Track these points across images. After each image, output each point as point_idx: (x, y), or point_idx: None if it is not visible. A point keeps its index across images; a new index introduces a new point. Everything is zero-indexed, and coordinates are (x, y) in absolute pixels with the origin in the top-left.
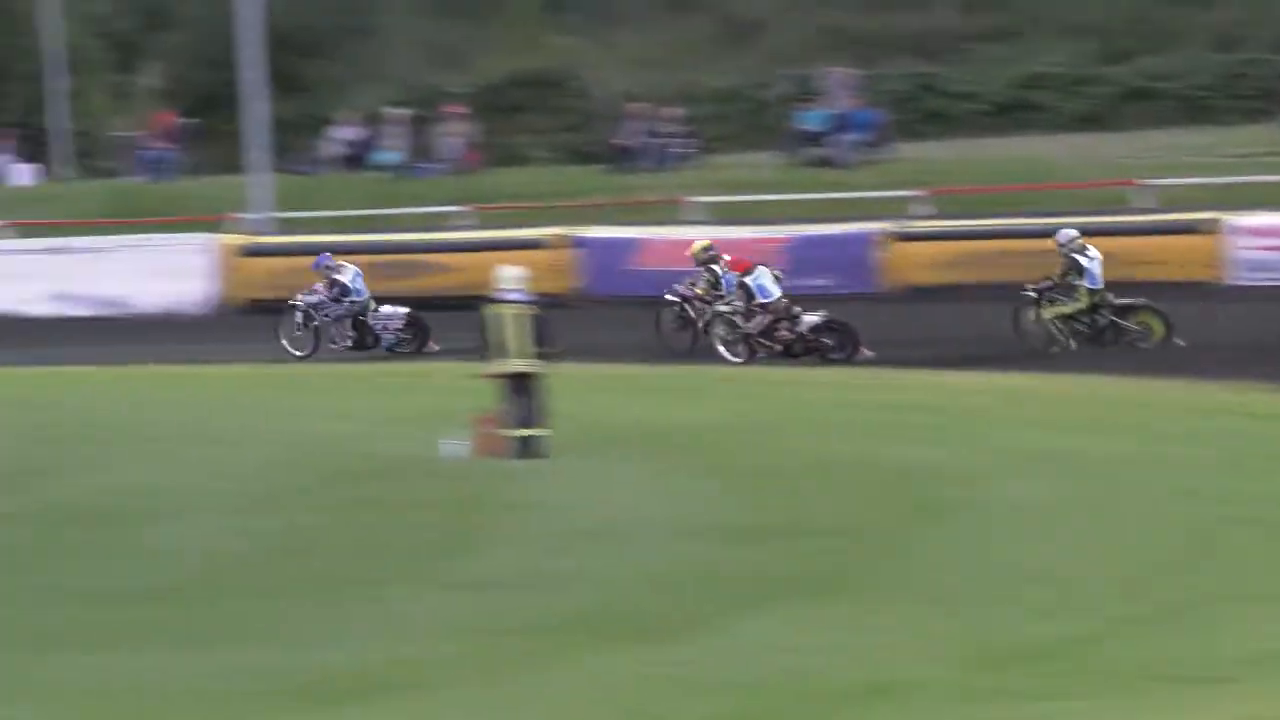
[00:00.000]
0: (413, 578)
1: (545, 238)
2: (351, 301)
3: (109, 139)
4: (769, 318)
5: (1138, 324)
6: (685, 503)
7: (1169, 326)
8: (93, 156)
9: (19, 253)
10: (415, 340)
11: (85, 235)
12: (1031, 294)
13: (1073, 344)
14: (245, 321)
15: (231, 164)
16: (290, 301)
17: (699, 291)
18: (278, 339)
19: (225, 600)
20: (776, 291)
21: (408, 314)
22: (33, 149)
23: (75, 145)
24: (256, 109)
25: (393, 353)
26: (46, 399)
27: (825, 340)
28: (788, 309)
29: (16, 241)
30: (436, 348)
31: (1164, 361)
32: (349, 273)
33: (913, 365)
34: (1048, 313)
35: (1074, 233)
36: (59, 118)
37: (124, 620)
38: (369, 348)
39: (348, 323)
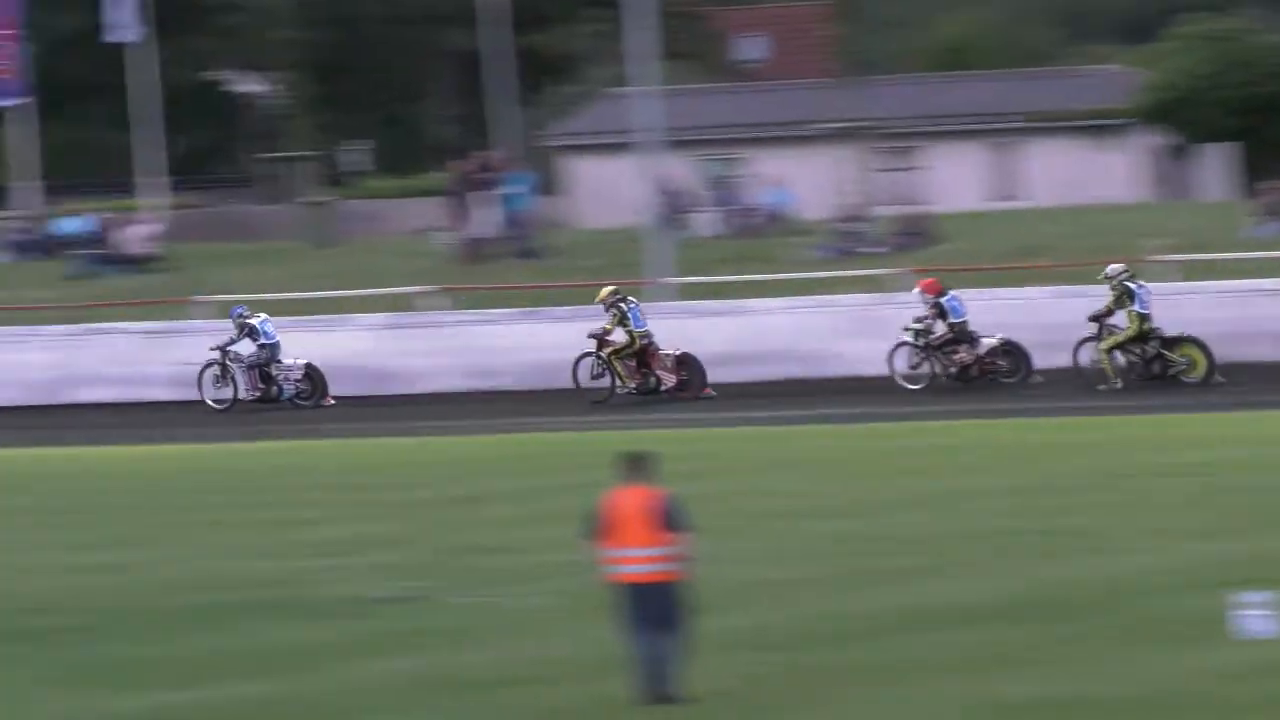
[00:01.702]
0: None
1: None
2: (262, 345)
3: None
4: (950, 335)
5: (1182, 356)
6: None
7: (1211, 361)
8: None
9: None
10: (314, 393)
11: None
12: (1093, 326)
13: (1119, 383)
14: None
15: None
16: (209, 352)
17: (606, 328)
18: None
19: None
20: (965, 311)
21: (305, 365)
22: None
23: None
24: None
25: (293, 404)
26: None
27: (1000, 363)
28: (969, 332)
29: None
30: (333, 401)
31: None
32: (259, 319)
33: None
34: (1103, 344)
35: (1121, 265)
36: None
37: None
38: (274, 399)
39: (256, 372)
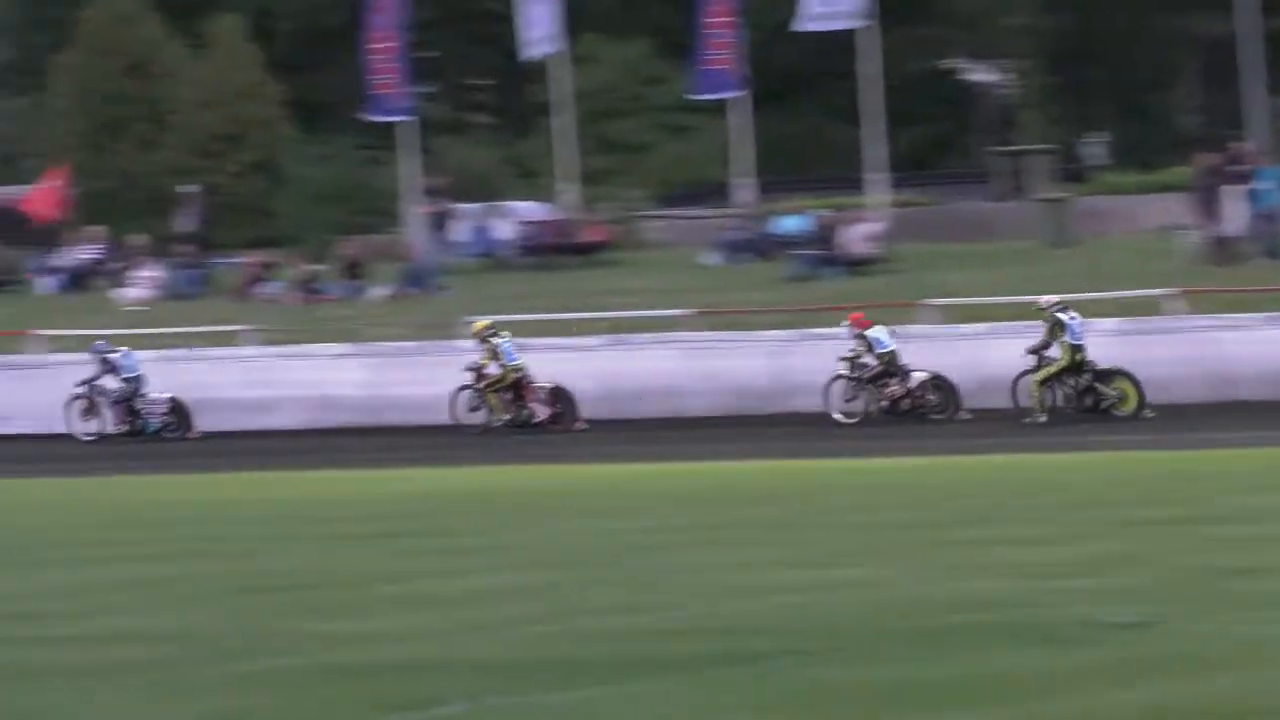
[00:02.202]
0: None
1: None
2: (125, 379)
3: None
4: (880, 368)
5: (1114, 389)
6: None
7: (1141, 395)
8: None
9: None
10: (179, 426)
11: None
12: (1032, 359)
13: (1043, 417)
14: None
15: None
16: (74, 388)
17: (481, 362)
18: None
19: None
20: (891, 344)
21: (170, 399)
22: None
23: None
24: None
25: (160, 436)
26: None
27: (930, 398)
28: (899, 365)
29: None
30: (199, 433)
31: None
32: (120, 354)
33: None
34: (1037, 376)
35: (1055, 297)
36: None
37: None
38: (139, 432)
39: (122, 406)
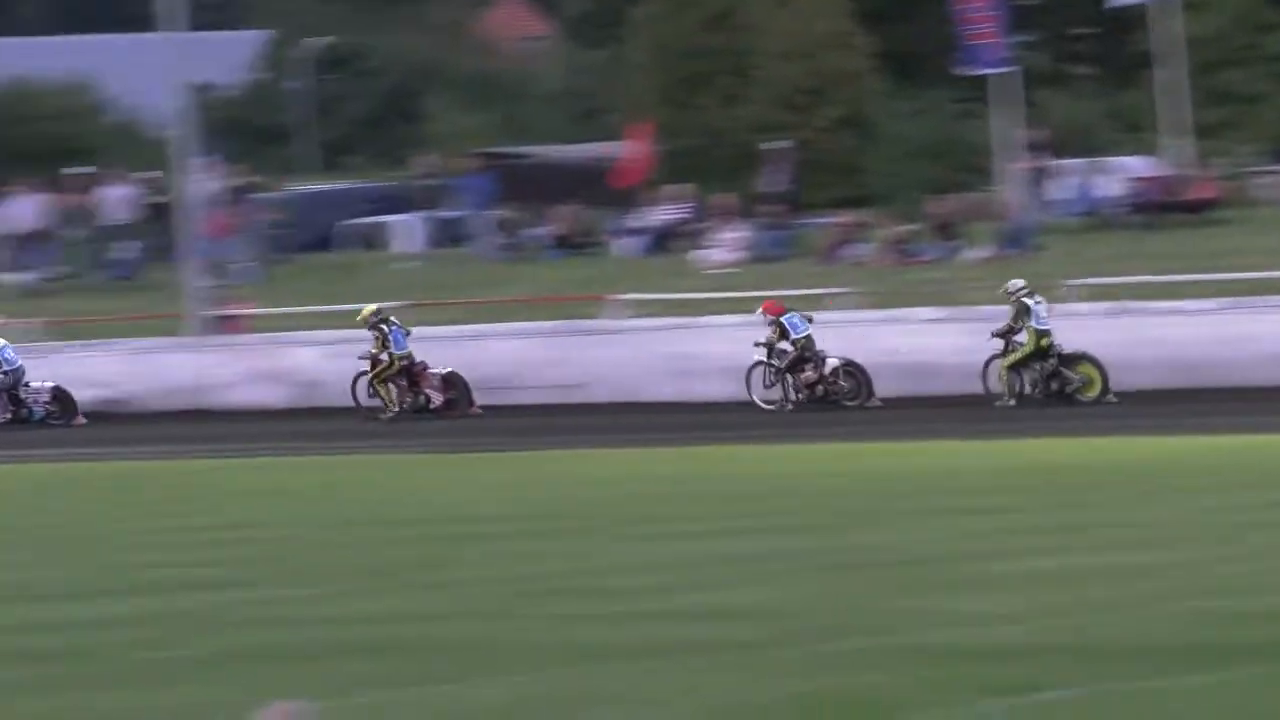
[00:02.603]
0: None
1: None
2: (4, 373)
3: None
4: (794, 354)
5: (1079, 373)
6: None
7: (1105, 380)
8: None
9: None
10: (64, 414)
11: None
12: (999, 342)
13: (1012, 401)
14: None
15: None
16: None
17: (373, 351)
18: None
19: None
20: (807, 328)
21: (54, 388)
22: None
23: None
24: None
25: (45, 424)
26: None
27: (842, 384)
28: (814, 351)
29: None
30: (84, 420)
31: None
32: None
33: None
34: (1005, 362)
35: (1021, 282)
36: None
37: None
38: (24, 420)
39: (4, 396)
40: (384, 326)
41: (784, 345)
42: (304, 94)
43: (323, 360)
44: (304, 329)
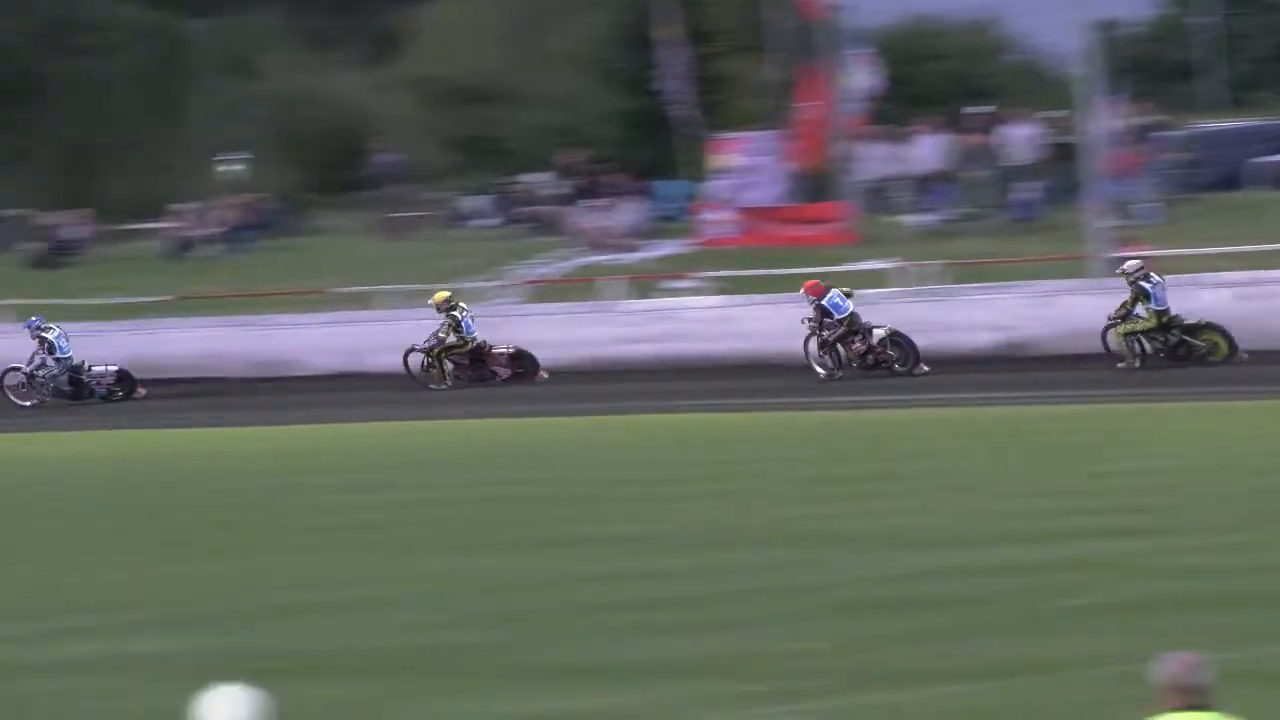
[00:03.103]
0: None
1: None
2: (57, 359)
3: None
4: (842, 329)
5: (1204, 341)
6: None
7: (1232, 343)
8: None
9: None
10: (124, 391)
11: None
12: (1110, 321)
13: (1137, 363)
14: None
15: None
16: (12, 366)
17: (441, 336)
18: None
19: None
20: (849, 306)
21: (118, 370)
22: None
23: None
24: None
25: (106, 400)
26: None
27: (890, 353)
28: (860, 324)
29: None
30: (144, 392)
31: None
32: (55, 333)
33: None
34: (1121, 329)
35: (1138, 262)
36: None
37: None
38: (85, 398)
39: (65, 378)
40: (456, 313)
41: (829, 322)
42: (1210, 29)
43: (1233, 303)
44: (1206, 270)
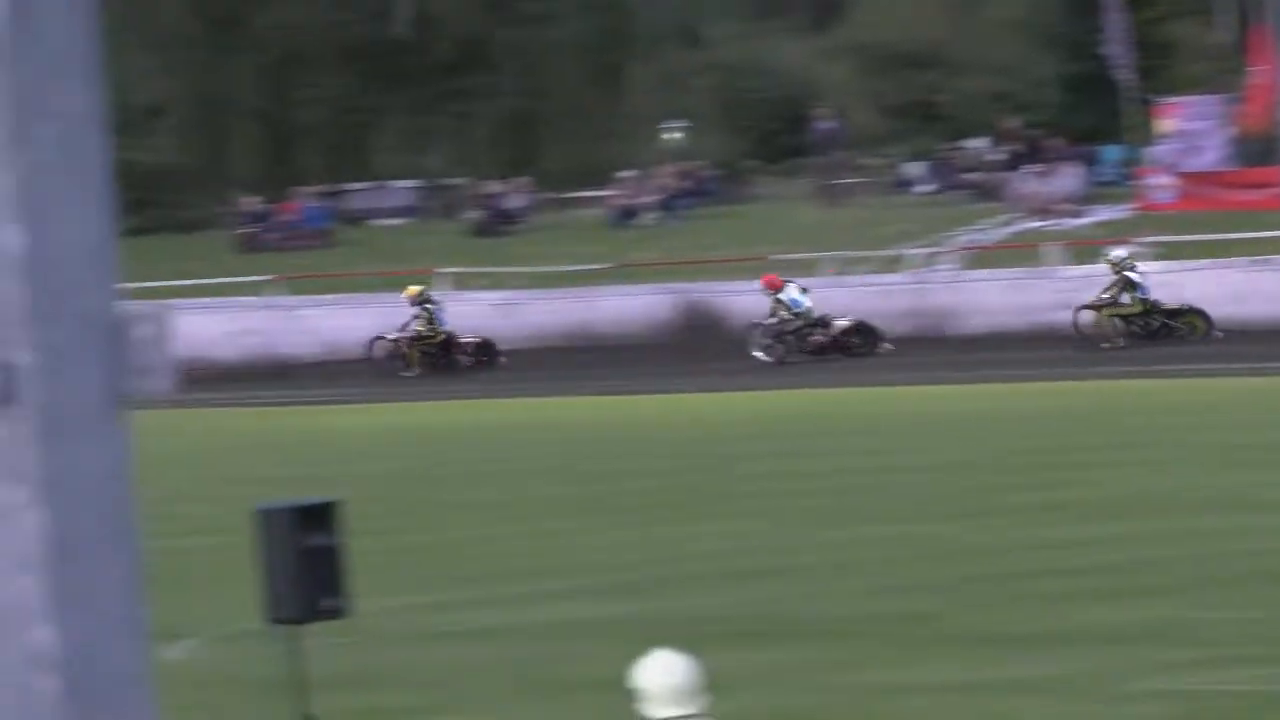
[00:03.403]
0: None
1: None
2: (433, 329)
3: None
4: (799, 323)
5: (1184, 324)
6: None
7: (1209, 324)
8: None
9: None
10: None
11: None
12: (1091, 304)
13: (1122, 342)
14: None
15: None
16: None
17: (419, 329)
18: None
19: None
20: (806, 302)
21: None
22: None
23: None
24: None
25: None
26: None
27: (854, 340)
28: (819, 318)
29: None
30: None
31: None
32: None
33: None
34: (1107, 312)
35: (1124, 252)
36: None
37: None
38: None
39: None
40: (429, 306)
41: (785, 316)
42: None
43: None
44: None
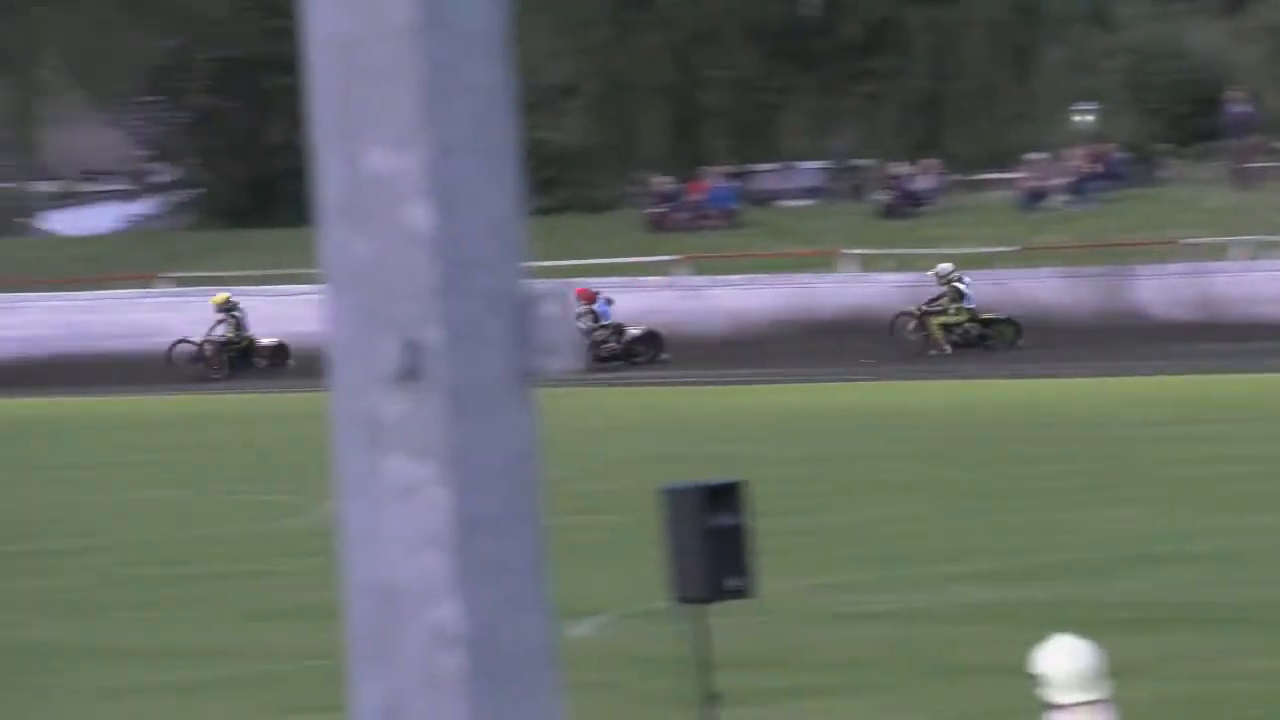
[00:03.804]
0: None
1: None
2: (599, 324)
3: None
4: (607, 331)
5: (996, 333)
6: None
7: (1018, 333)
8: None
9: None
10: (651, 353)
11: None
12: (914, 311)
13: (948, 349)
14: None
15: None
16: None
17: (228, 334)
18: None
19: None
20: (610, 312)
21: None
22: None
23: None
24: None
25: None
26: None
27: (639, 347)
28: (617, 327)
29: None
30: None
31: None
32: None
33: None
34: (934, 321)
35: (950, 266)
36: None
37: None
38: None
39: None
40: (236, 314)
41: (594, 326)
42: None
43: None
44: None
